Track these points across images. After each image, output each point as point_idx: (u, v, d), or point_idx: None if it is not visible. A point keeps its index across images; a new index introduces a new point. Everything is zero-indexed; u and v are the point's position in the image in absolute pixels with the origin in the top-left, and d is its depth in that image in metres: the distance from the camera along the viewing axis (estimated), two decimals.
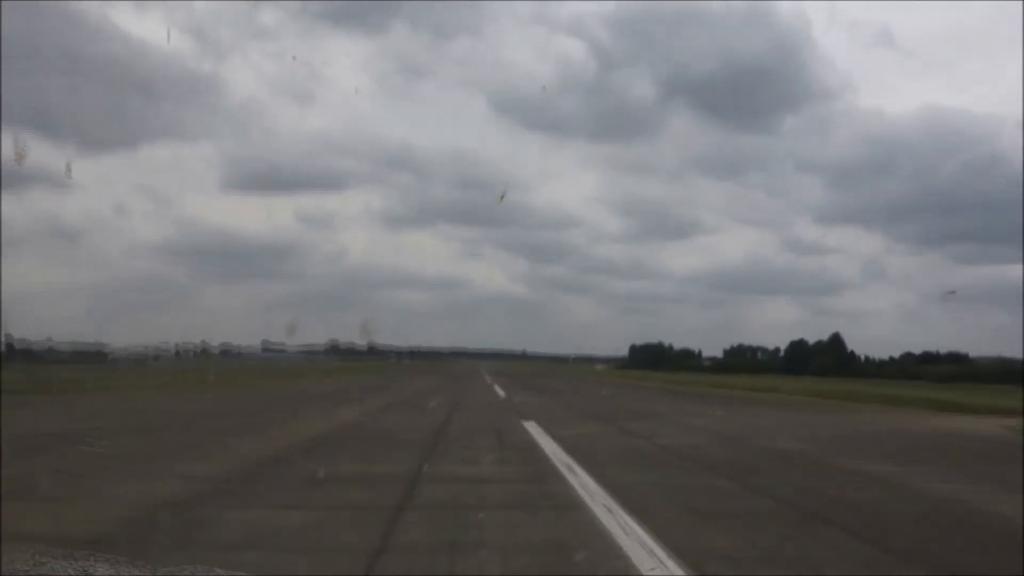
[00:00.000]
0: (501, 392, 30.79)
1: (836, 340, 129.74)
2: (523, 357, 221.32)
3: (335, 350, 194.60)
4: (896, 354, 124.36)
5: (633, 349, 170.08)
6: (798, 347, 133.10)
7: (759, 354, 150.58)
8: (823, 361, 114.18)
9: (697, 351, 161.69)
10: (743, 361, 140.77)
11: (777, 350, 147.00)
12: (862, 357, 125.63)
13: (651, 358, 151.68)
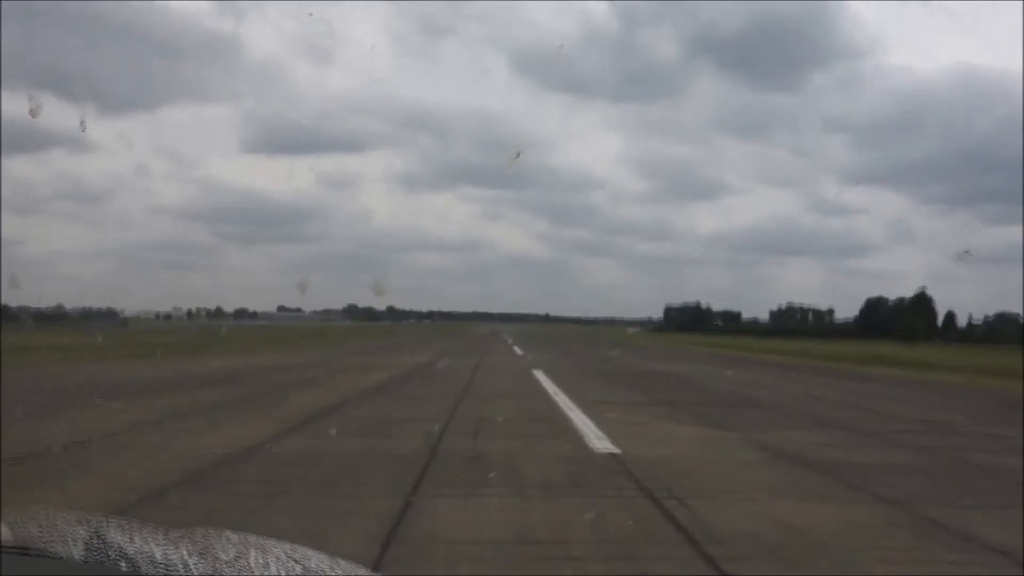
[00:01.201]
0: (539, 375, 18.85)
1: (921, 299, 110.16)
2: (546, 320, 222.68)
3: (353, 312, 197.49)
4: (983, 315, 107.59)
5: (668, 311, 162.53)
6: (876, 308, 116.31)
7: (809, 315, 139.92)
8: (910, 323, 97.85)
9: (737, 312, 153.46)
10: (796, 323, 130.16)
11: (831, 311, 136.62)
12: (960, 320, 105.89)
13: (688, 320, 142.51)
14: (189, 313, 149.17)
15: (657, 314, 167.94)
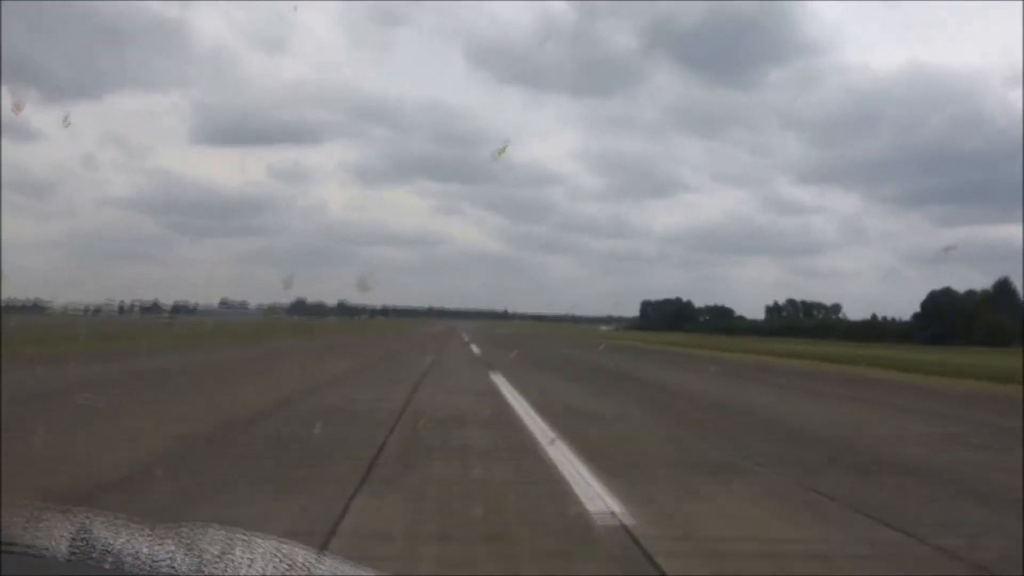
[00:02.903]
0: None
1: (1005, 288, 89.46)
2: (504, 316, 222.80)
3: (301, 308, 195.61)
4: None
5: (645, 307, 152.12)
6: (940, 301, 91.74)
7: (815, 312, 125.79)
8: (990, 322, 79.12)
9: (726, 308, 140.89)
10: (794, 321, 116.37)
11: (836, 307, 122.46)
12: None
13: (668, 317, 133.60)
14: (121, 307, 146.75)
15: (629, 311, 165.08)
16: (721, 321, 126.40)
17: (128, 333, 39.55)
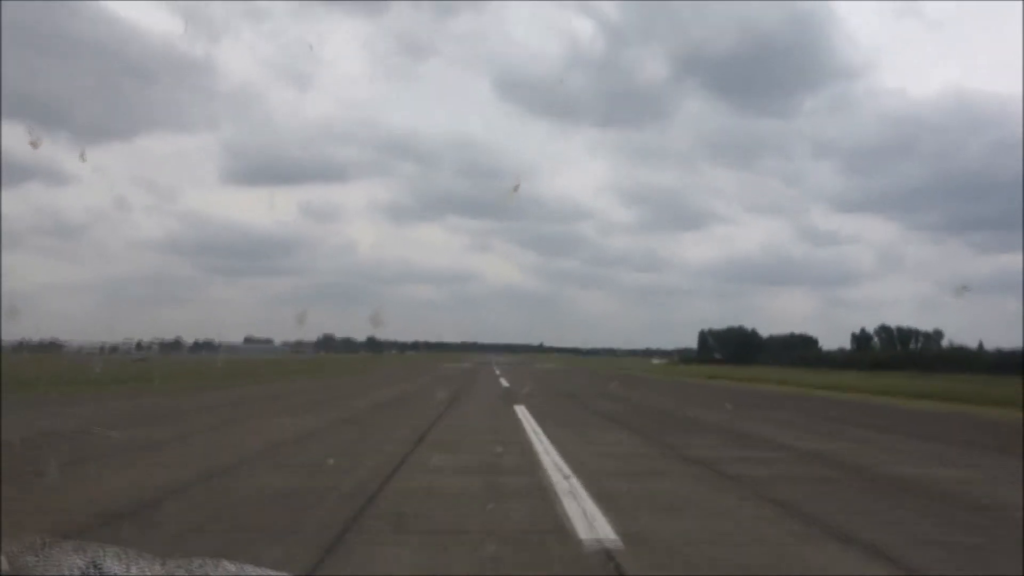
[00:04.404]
0: None
1: None
2: (541, 350, 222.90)
3: (328, 343, 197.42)
4: None
5: (706, 336, 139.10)
6: None
7: (912, 340, 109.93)
8: None
9: (808, 337, 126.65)
10: (888, 353, 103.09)
11: (939, 333, 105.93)
12: None
13: (734, 349, 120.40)
14: (139, 345, 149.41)
15: (665, 343, 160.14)
16: (801, 352, 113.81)
17: (74, 375, 32.19)
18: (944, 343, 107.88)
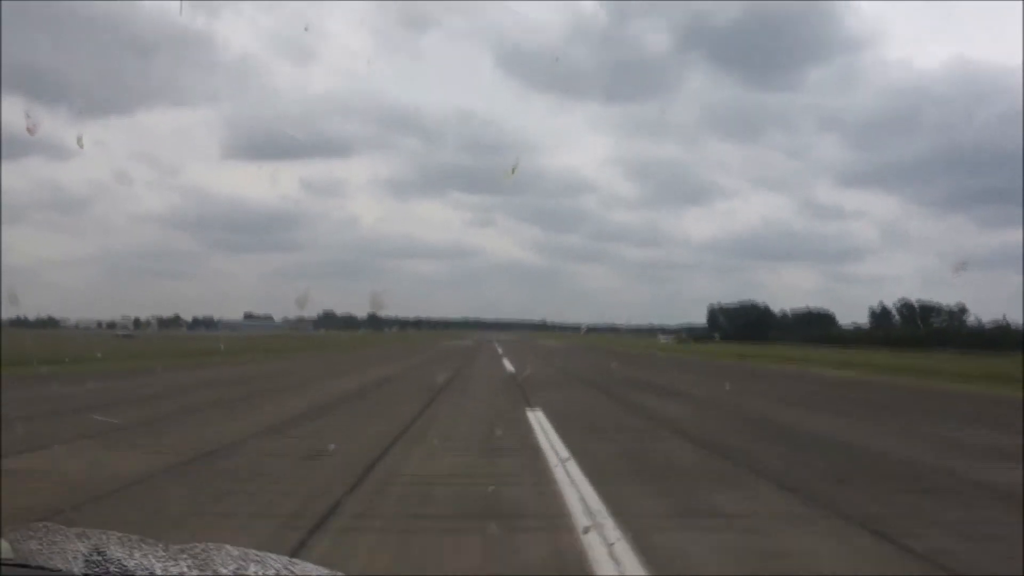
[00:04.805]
0: None
1: None
2: (543, 327, 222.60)
3: (329, 320, 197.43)
4: None
5: (716, 313, 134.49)
6: None
7: (933, 316, 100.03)
8: None
9: (825, 313, 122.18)
10: (908, 329, 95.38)
11: (963, 308, 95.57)
12: None
13: (742, 327, 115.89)
14: (136, 322, 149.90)
15: (669, 320, 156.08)
16: (816, 329, 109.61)
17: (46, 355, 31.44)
18: (970, 320, 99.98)
